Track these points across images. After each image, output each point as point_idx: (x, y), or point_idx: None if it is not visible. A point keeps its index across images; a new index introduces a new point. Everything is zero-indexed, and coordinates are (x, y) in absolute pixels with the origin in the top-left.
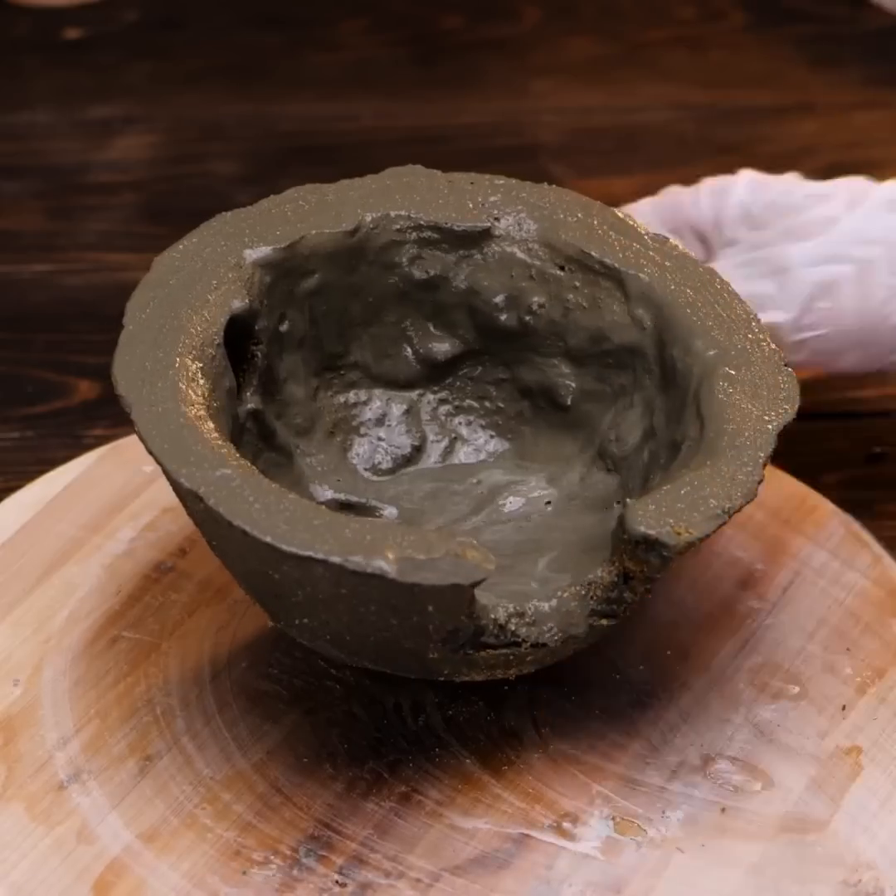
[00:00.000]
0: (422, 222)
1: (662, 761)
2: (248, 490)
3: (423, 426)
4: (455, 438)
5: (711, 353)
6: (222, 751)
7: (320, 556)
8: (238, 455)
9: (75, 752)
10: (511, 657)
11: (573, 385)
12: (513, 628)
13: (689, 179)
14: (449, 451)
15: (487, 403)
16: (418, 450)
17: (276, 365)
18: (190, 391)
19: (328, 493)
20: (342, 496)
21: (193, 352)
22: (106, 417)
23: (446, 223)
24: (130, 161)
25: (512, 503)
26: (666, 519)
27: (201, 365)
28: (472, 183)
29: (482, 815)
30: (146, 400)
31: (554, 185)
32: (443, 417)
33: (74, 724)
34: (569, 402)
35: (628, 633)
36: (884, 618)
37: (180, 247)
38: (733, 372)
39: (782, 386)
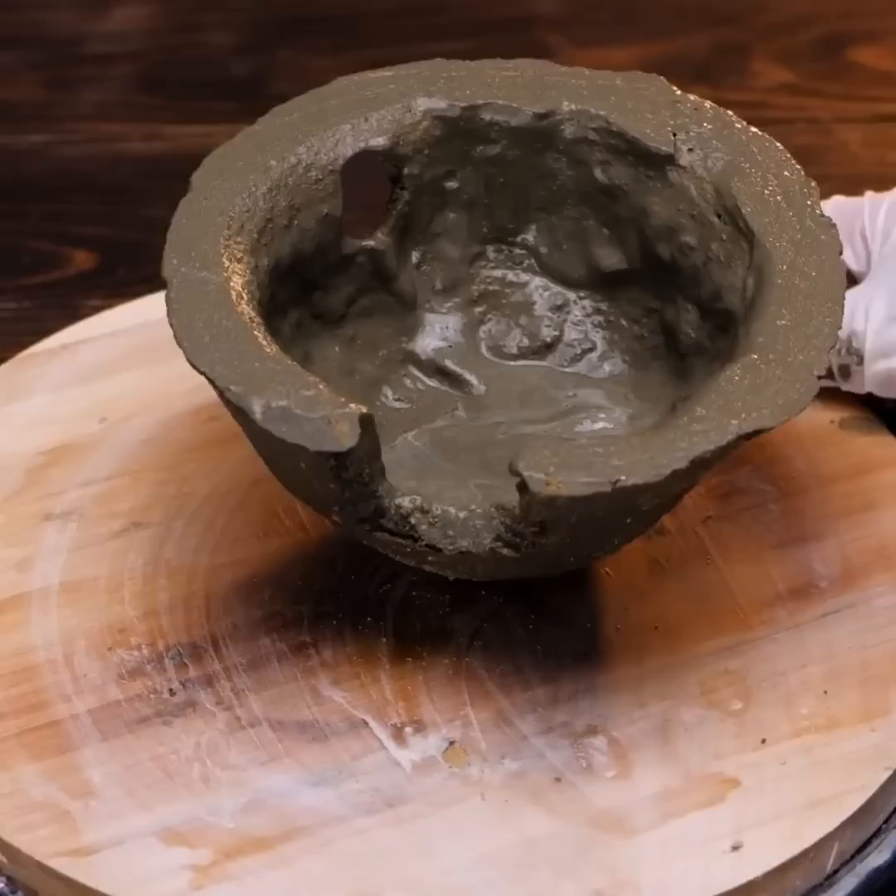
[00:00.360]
0: (614, 129)
1: (551, 716)
2: (210, 298)
3: (566, 326)
4: (589, 349)
5: (759, 339)
6: (198, 544)
7: (210, 376)
8: (250, 272)
9: (88, 495)
10: (407, 550)
11: (693, 335)
12: (413, 522)
13: (685, 50)
14: (577, 358)
15: (636, 328)
16: (548, 347)
17: (432, 217)
18: (249, 201)
19: (430, 352)
20: (441, 360)
21: (285, 170)
22: (102, 287)
23: (636, 137)
24: (127, 31)
25: (584, 426)
26: (548, 467)
27: (290, 183)
28: (695, 109)
29: (347, 690)
30: (195, 196)
31: (778, 144)
32: (590, 325)
33: (110, 472)
34: (684, 351)
35: (640, 593)
36: (890, 680)
37: (356, 77)
38: (761, 363)
39: (789, 395)
